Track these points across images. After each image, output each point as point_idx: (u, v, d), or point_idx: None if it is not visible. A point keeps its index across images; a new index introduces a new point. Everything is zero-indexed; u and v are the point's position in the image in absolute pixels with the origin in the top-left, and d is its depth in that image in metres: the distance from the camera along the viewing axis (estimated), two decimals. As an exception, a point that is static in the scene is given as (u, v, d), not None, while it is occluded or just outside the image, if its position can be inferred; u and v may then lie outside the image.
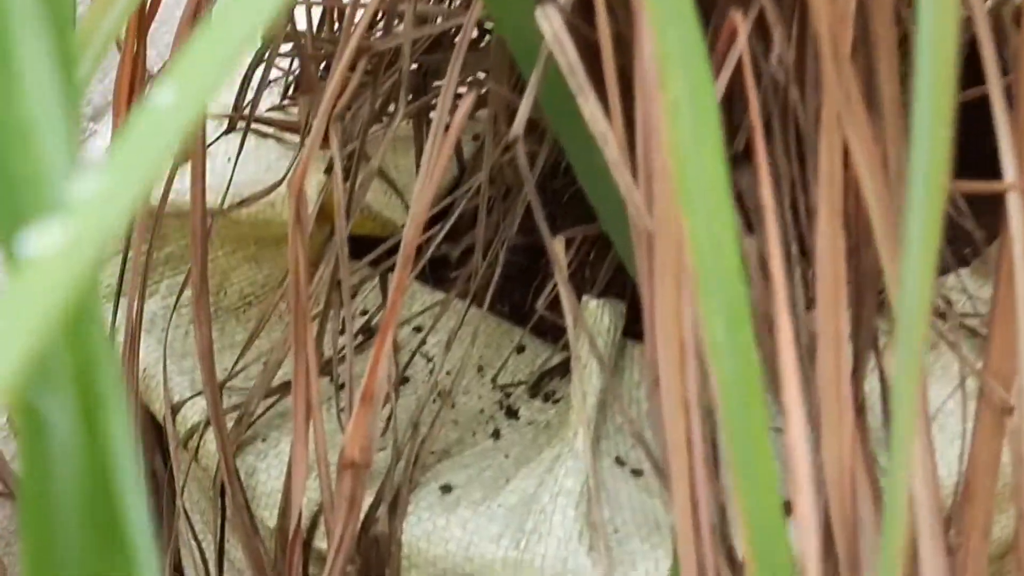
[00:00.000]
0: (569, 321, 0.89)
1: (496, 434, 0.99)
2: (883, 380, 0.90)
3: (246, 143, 1.23)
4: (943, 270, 1.04)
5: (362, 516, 0.91)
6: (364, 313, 1.11)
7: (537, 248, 1.13)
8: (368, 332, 1.09)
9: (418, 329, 1.08)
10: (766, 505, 0.47)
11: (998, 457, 0.84)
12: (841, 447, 0.80)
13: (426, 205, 0.81)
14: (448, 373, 1.05)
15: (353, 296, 1.13)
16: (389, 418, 0.98)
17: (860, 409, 0.83)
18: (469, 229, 1.04)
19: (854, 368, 0.83)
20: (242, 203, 1.03)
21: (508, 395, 1.03)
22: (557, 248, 0.88)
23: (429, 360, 1.06)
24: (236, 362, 1.02)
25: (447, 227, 1.00)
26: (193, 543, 1.07)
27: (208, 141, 1.24)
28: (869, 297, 0.81)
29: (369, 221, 1.14)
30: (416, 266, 1.03)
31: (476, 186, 0.99)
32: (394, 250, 1.14)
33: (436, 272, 1.14)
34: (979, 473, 0.85)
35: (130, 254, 1.05)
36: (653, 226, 0.75)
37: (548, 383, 1.03)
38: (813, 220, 0.77)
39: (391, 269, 1.14)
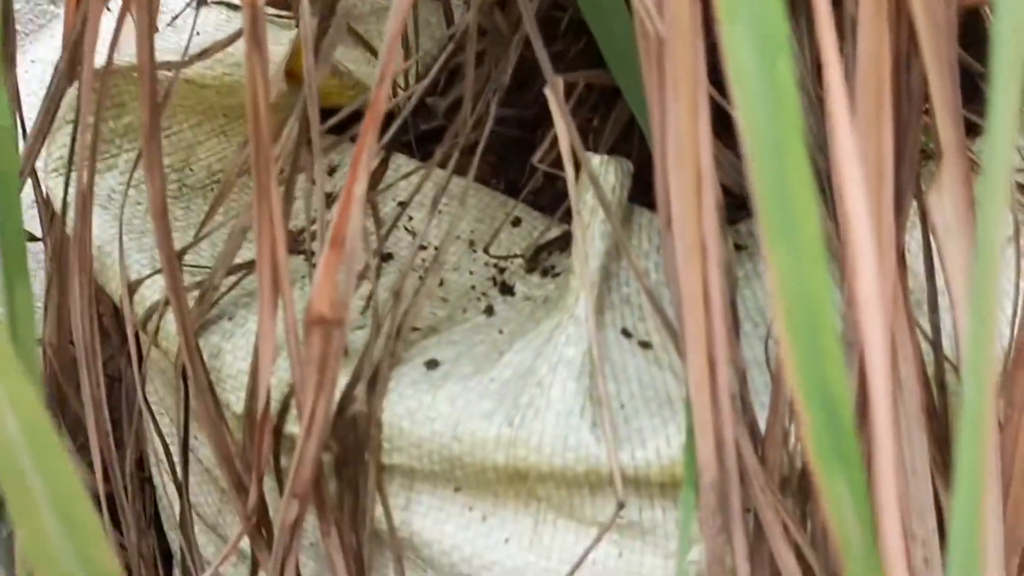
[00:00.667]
0: (569, 172, 0.79)
1: (489, 310, 0.89)
2: (925, 234, 0.80)
3: (218, 17, 1.14)
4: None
5: (338, 396, 0.82)
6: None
7: (531, 120, 1.02)
8: (348, 209, 0.99)
9: (403, 204, 0.97)
10: (809, 274, 0.37)
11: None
12: (881, 300, 0.70)
13: (399, 27, 0.70)
14: (437, 248, 0.95)
15: (332, 172, 1.03)
16: (370, 298, 0.88)
17: (901, 258, 0.73)
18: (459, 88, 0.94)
19: (896, 208, 0.73)
20: (202, 54, 0.92)
21: (502, 270, 0.93)
22: (557, 86, 0.77)
23: (416, 236, 0.96)
24: (197, 233, 0.92)
25: (434, 72, 0.89)
26: (157, 442, 0.97)
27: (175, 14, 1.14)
28: (914, 122, 0.71)
29: (348, 90, 1.03)
30: (394, 125, 0.93)
31: (463, 32, 0.89)
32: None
33: (423, 148, 1.04)
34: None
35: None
36: (664, 31, 0.64)
37: (547, 257, 0.93)
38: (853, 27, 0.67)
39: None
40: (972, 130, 0.95)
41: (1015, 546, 0.80)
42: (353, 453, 0.81)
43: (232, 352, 0.86)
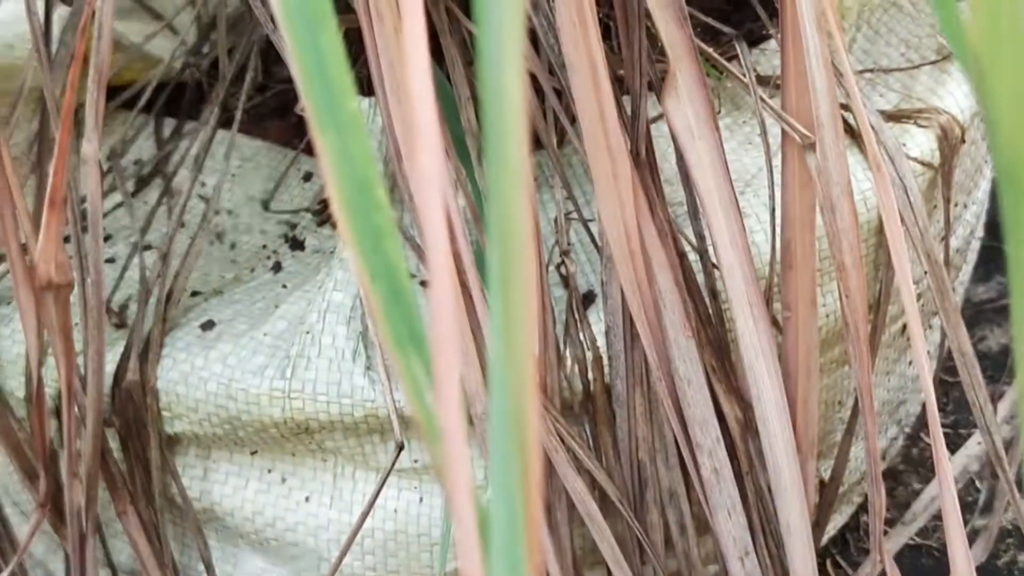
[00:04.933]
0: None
1: (277, 267, 0.87)
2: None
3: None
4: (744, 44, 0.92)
5: (114, 369, 0.80)
6: (137, 163, 0.98)
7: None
8: (142, 181, 0.97)
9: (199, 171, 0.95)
10: (355, 152, 0.36)
11: (812, 209, 0.73)
12: (622, 204, 0.68)
13: None
14: (230, 212, 0.93)
15: (125, 148, 1.00)
16: (124, 269, 0.86)
17: (645, 163, 0.71)
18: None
19: (633, 114, 0.71)
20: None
21: (294, 226, 0.91)
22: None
23: (208, 201, 0.94)
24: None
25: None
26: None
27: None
28: (636, 26, 0.69)
29: (138, 63, 1.01)
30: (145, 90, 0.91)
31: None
32: (171, 92, 1.02)
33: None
34: (796, 227, 0.74)
35: None
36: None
37: (337, 209, 0.91)
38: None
39: (168, 113, 1.02)
40: (755, 41, 0.94)
41: (810, 447, 0.79)
42: (136, 426, 0.80)
43: (11, 337, 0.84)
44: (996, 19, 0.35)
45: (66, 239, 0.84)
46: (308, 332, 0.76)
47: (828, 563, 1.03)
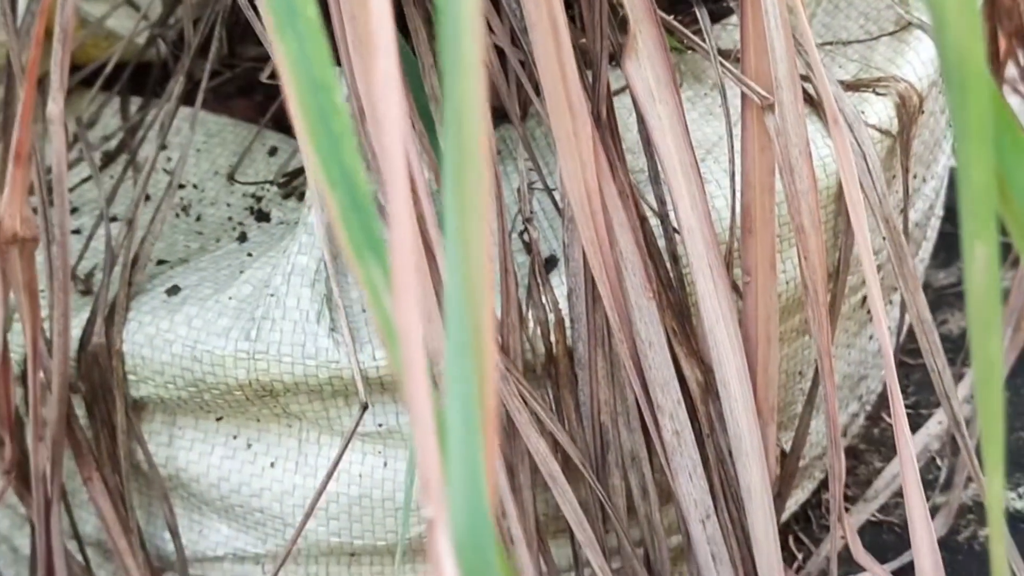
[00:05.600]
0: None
1: (242, 237, 0.88)
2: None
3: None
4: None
5: (80, 335, 0.80)
6: (106, 138, 0.99)
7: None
8: (108, 157, 0.97)
9: (164, 147, 0.96)
10: (313, 56, 0.37)
11: (772, 172, 0.74)
12: (582, 163, 0.69)
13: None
14: (195, 186, 0.93)
15: (91, 124, 1.01)
16: (91, 237, 0.87)
17: (606, 126, 0.72)
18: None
19: (593, 75, 0.72)
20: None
21: (259, 199, 0.92)
22: None
23: (173, 175, 0.94)
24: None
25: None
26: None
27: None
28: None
29: (103, 41, 1.02)
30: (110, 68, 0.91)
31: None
32: (135, 71, 1.02)
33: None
34: (756, 191, 0.75)
35: None
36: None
37: (303, 182, 0.92)
38: None
39: (133, 91, 1.02)
40: (718, 18, 0.95)
41: (770, 411, 0.80)
42: (102, 390, 0.80)
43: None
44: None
45: (33, 211, 0.84)
46: (273, 295, 0.77)
47: (791, 539, 1.04)
